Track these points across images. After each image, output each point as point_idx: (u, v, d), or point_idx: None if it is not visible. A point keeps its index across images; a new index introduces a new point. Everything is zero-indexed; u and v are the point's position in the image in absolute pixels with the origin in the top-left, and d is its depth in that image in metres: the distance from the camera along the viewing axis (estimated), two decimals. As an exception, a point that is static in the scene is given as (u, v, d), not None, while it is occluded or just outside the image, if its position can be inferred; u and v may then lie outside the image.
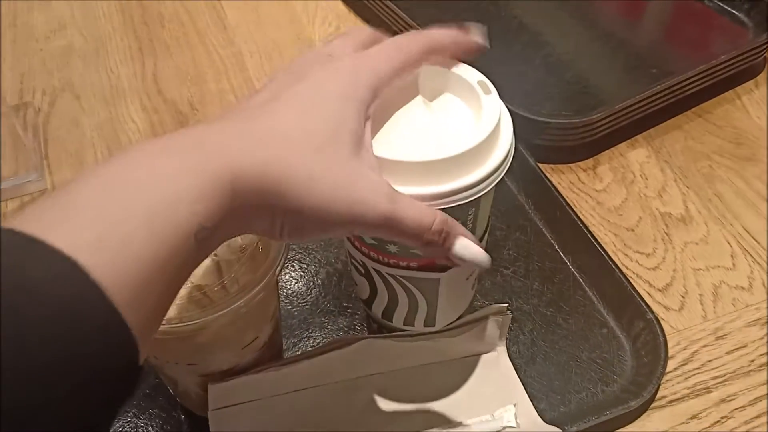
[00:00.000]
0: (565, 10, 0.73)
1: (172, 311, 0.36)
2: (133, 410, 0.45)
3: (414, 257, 0.38)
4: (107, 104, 0.68)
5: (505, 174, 0.35)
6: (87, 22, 0.76)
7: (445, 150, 0.33)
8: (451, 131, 0.35)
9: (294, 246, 0.53)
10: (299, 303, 0.51)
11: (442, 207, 0.34)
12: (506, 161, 0.35)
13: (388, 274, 0.39)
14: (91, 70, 0.71)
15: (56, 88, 0.69)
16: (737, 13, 0.70)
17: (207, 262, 0.38)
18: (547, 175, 0.56)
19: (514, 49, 0.68)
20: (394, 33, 0.36)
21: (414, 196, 0.33)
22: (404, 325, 0.43)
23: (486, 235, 0.40)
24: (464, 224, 0.36)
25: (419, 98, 0.37)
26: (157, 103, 0.67)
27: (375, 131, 0.34)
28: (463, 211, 0.35)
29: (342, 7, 0.77)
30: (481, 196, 0.35)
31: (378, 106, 0.33)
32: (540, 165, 0.57)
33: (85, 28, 0.76)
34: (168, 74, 0.70)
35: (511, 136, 0.36)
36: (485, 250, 0.39)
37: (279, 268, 0.37)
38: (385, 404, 0.44)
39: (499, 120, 0.35)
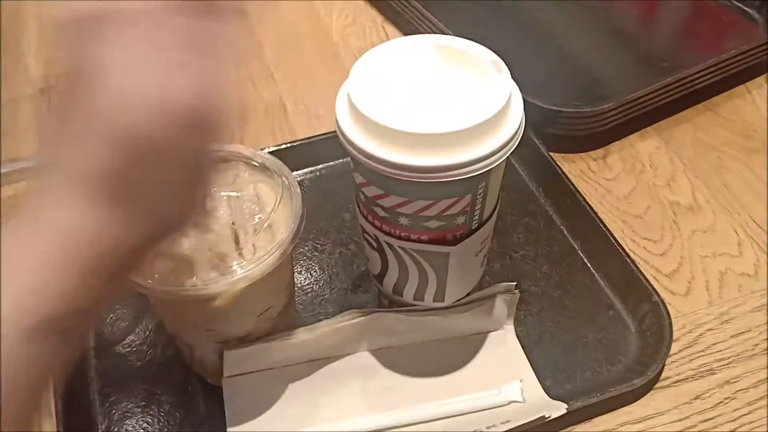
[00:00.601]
0: (578, 4, 0.74)
1: (191, 275, 0.37)
2: (150, 378, 0.47)
3: (425, 230, 0.39)
4: (129, 90, 0.69)
5: (514, 152, 0.37)
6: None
7: (457, 123, 0.34)
8: (462, 106, 0.36)
9: (308, 227, 0.54)
10: (313, 281, 0.52)
11: (453, 179, 0.35)
12: (516, 136, 0.36)
13: (399, 247, 0.40)
14: (113, 57, 0.73)
15: (80, 74, 0.71)
16: (749, 10, 0.70)
17: (225, 230, 0.39)
18: (558, 163, 0.57)
19: (528, 42, 0.69)
20: (411, 26, 0.37)
21: (425, 167, 0.34)
22: (414, 300, 0.45)
23: (494, 213, 0.41)
24: (474, 199, 0.38)
25: (432, 73, 0.38)
26: (178, 90, 0.69)
27: (389, 102, 0.36)
28: (473, 185, 0.37)
29: (360, 1, 0.79)
30: (491, 169, 0.36)
31: (392, 77, 0.34)
32: (551, 153, 0.58)
33: (108, 17, 0.78)
34: (188, 62, 0.72)
35: (521, 113, 0.37)
36: (494, 231, 0.40)
37: (294, 239, 0.38)
38: (394, 378, 0.46)
39: (510, 97, 0.36)
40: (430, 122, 0.34)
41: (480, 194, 0.38)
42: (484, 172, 0.35)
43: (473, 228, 0.40)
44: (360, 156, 0.36)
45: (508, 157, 0.36)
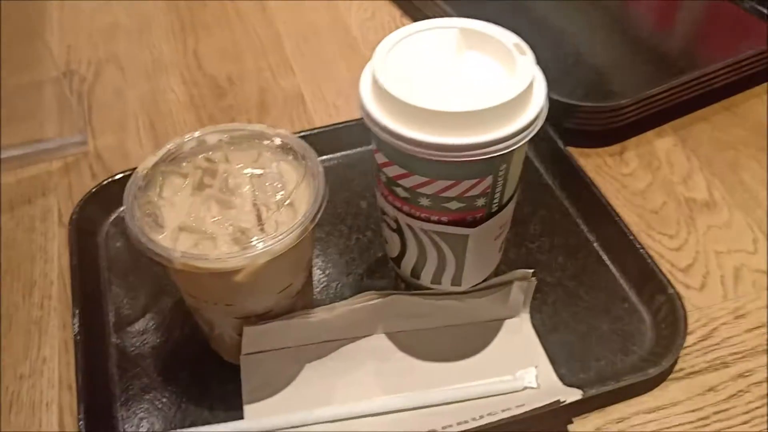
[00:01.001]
0: (597, 2, 0.74)
1: (213, 249, 0.37)
2: (168, 356, 0.47)
3: (445, 211, 0.39)
4: (149, 77, 0.70)
5: (531, 145, 0.37)
6: (132, 1, 0.79)
7: (481, 102, 0.34)
8: (486, 86, 0.37)
9: (325, 213, 0.55)
10: (330, 266, 0.52)
11: (476, 158, 0.35)
12: (540, 118, 0.37)
13: (419, 228, 0.41)
14: (134, 46, 0.74)
15: (101, 60, 0.72)
16: (766, 12, 0.70)
17: (248, 207, 0.39)
18: (575, 157, 0.58)
19: (546, 38, 0.70)
20: (425, 16, 0.37)
21: (448, 146, 0.35)
22: (432, 283, 0.45)
23: (513, 198, 0.42)
24: (495, 181, 0.38)
25: (456, 55, 0.38)
26: (197, 78, 0.70)
27: (413, 82, 0.36)
28: (494, 166, 0.37)
29: (379, -5, 0.79)
30: (513, 151, 0.36)
31: (415, 57, 0.35)
32: (568, 148, 0.58)
33: (130, 7, 0.79)
34: (208, 51, 0.73)
35: (545, 95, 0.37)
36: (511, 218, 0.41)
37: (316, 216, 0.39)
38: (409, 361, 0.46)
39: (534, 79, 0.37)
40: (453, 101, 0.35)
41: (501, 176, 0.38)
42: (506, 153, 0.36)
43: (493, 211, 0.40)
44: (383, 134, 0.36)
45: (526, 146, 0.37)
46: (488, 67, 0.38)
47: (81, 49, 0.73)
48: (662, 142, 0.62)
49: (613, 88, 0.65)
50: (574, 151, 0.60)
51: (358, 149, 0.61)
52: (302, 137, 0.43)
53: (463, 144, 0.35)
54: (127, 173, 0.56)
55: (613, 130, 0.61)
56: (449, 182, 0.37)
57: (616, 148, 0.62)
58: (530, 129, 0.36)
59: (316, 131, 0.60)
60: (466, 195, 0.38)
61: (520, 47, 0.37)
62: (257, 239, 0.38)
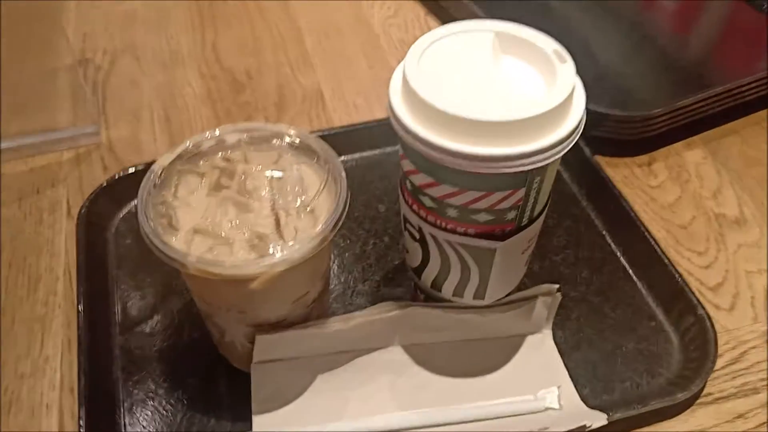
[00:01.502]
0: (627, 7, 0.72)
1: (229, 255, 0.36)
2: (175, 360, 0.45)
3: (472, 224, 0.37)
4: (166, 68, 0.68)
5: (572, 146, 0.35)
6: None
7: (518, 112, 0.33)
8: (523, 95, 0.35)
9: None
10: (346, 271, 0.51)
11: (510, 170, 0.33)
12: (577, 130, 0.35)
13: (444, 240, 0.39)
14: (152, 36, 0.72)
15: (117, 49, 0.70)
16: (804, 24, 0.68)
17: (266, 211, 0.38)
18: (602, 167, 0.56)
19: (574, 43, 0.67)
20: (454, 21, 0.36)
21: (481, 156, 0.33)
22: (453, 296, 0.43)
23: (544, 212, 0.40)
24: (527, 194, 0.36)
25: (492, 60, 0.36)
26: (215, 71, 0.68)
27: (446, 87, 0.34)
28: (528, 179, 0.35)
29: (402, -8, 0.77)
30: (549, 163, 0.34)
31: (449, 61, 0.33)
32: (595, 157, 0.56)
33: (148, -4, 0.77)
34: (227, 45, 0.71)
35: (584, 107, 0.35)
36: (539, 230, 0.39)
37: (337, 225, 0.37)
38: (426, 376, 0.44)
39: (573, 89, 0.35)
40: (489, 110, 0.33)
41: (534, 189, 0.36)
42: (542, 166, 0.34)
43: (522, 225, 0.38)
44: (412, 140, 0.34)
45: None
46: (526, 74, 0.36)
47: (97, 38, 0.71)
48: (692, 155, 0.60)
49: (643, 97, 0.62)
50: (600, 161, 0.58)
51: (378, 151, 0.59)
52: (321, 137, 0.41)
53: (498, 155, 0.33)
54: (139, 168, 0.54)
55: (643, 140, 0.59)
56: (480, 194, 0.35)
57: (644, 158, 0.60)
58: (568, 141, 0.34)
59: (335, 131, 0.58)
60: (497, 207, 0.36)
61: (560, 54, 0.36)
62: (275, 247, 0.36)
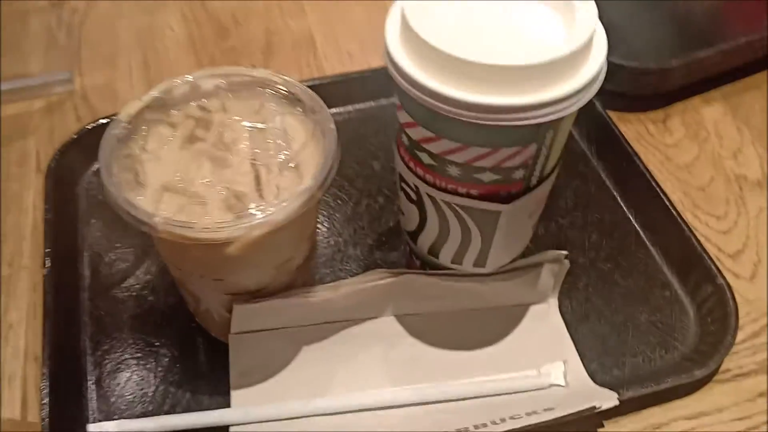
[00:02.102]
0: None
1: (203, 215, 0.32)
2: (148, 329, 0.42)
3: (476, 183, 0.33)
4: (146, 11, 0.64)
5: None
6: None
7: (531, 56, 0.28)
8: (537, 37, 0.31)
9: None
10: (336, 233, 0.47)
11: (521, 123, 0.29)
12: (598, 78, 0.31)
13: (443, 201, 0.35)
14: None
15: (94, -11, 0.65)
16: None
17: (245, 166, 0.34)
18: (614, 122, 0.51)
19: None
20: None
21: (488, 107, 0.29)
22: (451, 263, 0.39)
23: (556, 169, 0.36)
24: (539, 151, 0.32)
25: (505, 2, 0.32)
26: (199, 14, 0.63)
27: (450, 26, 0.30)
28: (540, 133, 0.31)
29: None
30: (565, 116, 0.30)
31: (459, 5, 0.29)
32: (607, 111, 0.52)
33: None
34: (211, -15, 0.66)
35: (605, 53, 0.31)
36: (548, 191, 0.35)
37: (325, 182, 0.33)
38: (420, 348, 0.41)
39: (594, 32, 0.30)
40: (497, 53, 0.28)
41: (546, 145, 0.32)
42: (556, 119, 0.30)
43: (531, 185, 0.34)
44: (410, 87, 0.30)
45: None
46: (541, 14, 0.32)
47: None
48: (710, 111, 0.56)
49: (658, 47, 0.57)
50: (612, 116, 0.53)
51: (374, 103, 0.54)
52: (311, 87, 0.37)
53: (507, 105, 0.29)
54: (112, 117, 0.49)
55: (658, 95, 0.55)
56: (485, 150, 0.31)
57: (659, 114, 0.55)
58: (587, 91, 0.30)
59: (326, 81, 0.54)
60: (504, 166, 0.32)
61: (579, -8, 0.31)
62: (254, 207, 0.32)
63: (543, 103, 0.29)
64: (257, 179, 0.33)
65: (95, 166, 0.50)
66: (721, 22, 0.60)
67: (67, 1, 0.64)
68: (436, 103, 0.29)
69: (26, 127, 0.54)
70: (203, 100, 0.36)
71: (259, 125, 0.35)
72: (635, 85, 0.54)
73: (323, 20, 0.63)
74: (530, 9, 0.32)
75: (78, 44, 0.60)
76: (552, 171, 0.35)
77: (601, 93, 0.52)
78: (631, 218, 0.48)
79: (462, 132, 0.31)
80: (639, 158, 0.49)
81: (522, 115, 0.29)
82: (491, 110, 0.29)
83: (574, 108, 0.30)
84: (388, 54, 0.31)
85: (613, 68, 0.52)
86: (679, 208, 0.48)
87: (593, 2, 0.31)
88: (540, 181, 0.35)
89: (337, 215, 0.48)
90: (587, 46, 0.30)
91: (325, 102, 0.36)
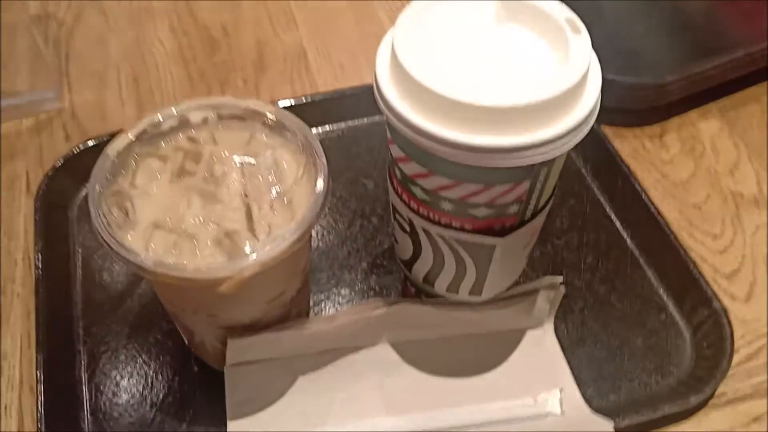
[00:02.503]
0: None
1: (194, 253, 0.31)
2: (143, 357, 0.42)
3: (470, 218, 0.33)
4: (134, 23, 0.63)
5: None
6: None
7: (525, 95, 0.28)
8: (530, 74, 0.30)
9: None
10: (330, 256, 0.46)
11: (515, 164, 0.29)
12: (592, 115, 0.30)
13: (437, 234, 0.35)
14: (120, -14, 0.66)
15: (83, 1, 0.64)
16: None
17: (236, 202, 0.33)
18: (610, 139, 0.51)
19: (581, 4, 0.62)
20: None
21: (481, 147, 0.28)
22: (447, 291, 0.39)
23: (550, 201, 0.35)
24: (532, 187, 0.32)
25: (495, 30, 0.31)
26: (188, 26, 0.62)
27: (442, 64, 0.30)
28: (534, 171, 0.31)
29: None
30: (557, 155, 0.30)
31: (446, 32, 0.29)
32: (602, 127, 0.52)
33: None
34: (202, -3, 0.65)
35: (599, 87, 0.31)
36: (543, 221, 0.35)
37: (317, 219, 0.33)
38: (417, 376, 0.40)
39: (588, 67, 0.30)
40: (490, 92, 0.28)
41: (540, 181, 0.32)
42: (550, 158, 0.29)
43: (526, 218, 0.34)
44: (402, 127, 0.30)
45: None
46: (534, 48, 0.31)
47: (59, -12, 0.65)
48: (707, 125, 0.55)
49: (654, 61, 0.57)
50: (608, 131, 0.53)
51: (366, 120, 0.54)
52: (304, 104, 0.36)
53: (500, 147, 0.28)
54: (104, 139, 0.49)
55: (653, 109, 0.54)
56: (478, 187, 0.31)
57: (655, 129, 0.55)
58: (581, 129, 0.30)
59: (319, 98, 0.53)
60: (498, 202, 0.32)
61: (573, 24, 0.31)
62: (247, 245, 0.31)
63: (537, 143, 0.28)
64: (249, 216, 0.33)
65: (85, 191, 0.49)
66: (717, 35, 0.59)
67: (53, 14, 0.63)
68: (428, 143, 0.29)
69: (14, 147, 0.53)
70: (192, 131, 0.36)
71: (250, 160, 0.35)
72: (631, 100, 0.53)
73: (315, 32, 0.62)
74: (523, 40, 0.32)
75: (66, 60, 0.59)
76: (546, 204, 0.35)
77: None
78: (627, 239, 0.48)
79: (455, 169, 0.30)
80: (634, 177, 0.48)
81: (516, 155, 0.29)
82: (485, 151, 0.28)
83: (569, 146, 0.30)
84: (378, 91, 0.31)
85: (609, 84, 0.52)
86: (675, 227, 0.47)
87: (586, 33, 0.31)
88: (534, 215, 0.34)
89: (329, 237, 0.47)
90: (582, 81, 0.29)
91: (317, 118, 0.35)
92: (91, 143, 0.49)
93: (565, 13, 0.31)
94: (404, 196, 0.34)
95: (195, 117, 0.36)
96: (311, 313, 0.43)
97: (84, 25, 0.62)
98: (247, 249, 0.31)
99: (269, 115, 0.36)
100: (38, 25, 0.61)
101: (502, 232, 0.34)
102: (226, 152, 0.35)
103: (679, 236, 0.46)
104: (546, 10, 0.31)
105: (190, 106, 0.36)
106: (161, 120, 0.35)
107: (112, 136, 0.48)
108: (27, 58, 0.57)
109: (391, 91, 0.30)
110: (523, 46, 0.31)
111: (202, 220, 0.33)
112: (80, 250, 0.47)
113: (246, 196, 0.34)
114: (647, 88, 0.52)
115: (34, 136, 0.54)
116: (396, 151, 0.33)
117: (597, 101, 0.30)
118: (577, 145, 0.52)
